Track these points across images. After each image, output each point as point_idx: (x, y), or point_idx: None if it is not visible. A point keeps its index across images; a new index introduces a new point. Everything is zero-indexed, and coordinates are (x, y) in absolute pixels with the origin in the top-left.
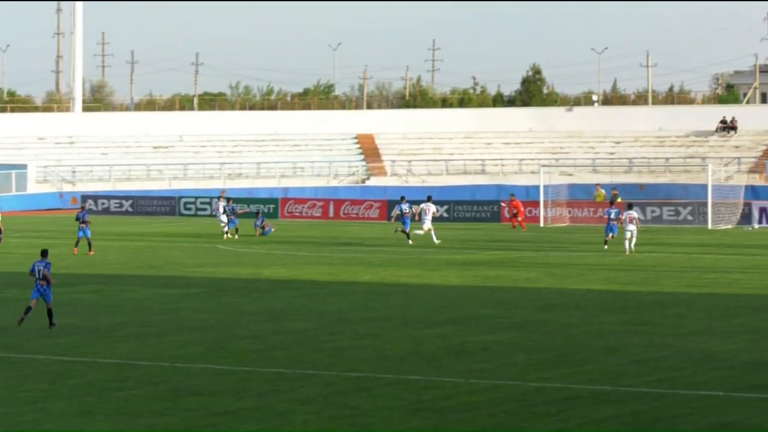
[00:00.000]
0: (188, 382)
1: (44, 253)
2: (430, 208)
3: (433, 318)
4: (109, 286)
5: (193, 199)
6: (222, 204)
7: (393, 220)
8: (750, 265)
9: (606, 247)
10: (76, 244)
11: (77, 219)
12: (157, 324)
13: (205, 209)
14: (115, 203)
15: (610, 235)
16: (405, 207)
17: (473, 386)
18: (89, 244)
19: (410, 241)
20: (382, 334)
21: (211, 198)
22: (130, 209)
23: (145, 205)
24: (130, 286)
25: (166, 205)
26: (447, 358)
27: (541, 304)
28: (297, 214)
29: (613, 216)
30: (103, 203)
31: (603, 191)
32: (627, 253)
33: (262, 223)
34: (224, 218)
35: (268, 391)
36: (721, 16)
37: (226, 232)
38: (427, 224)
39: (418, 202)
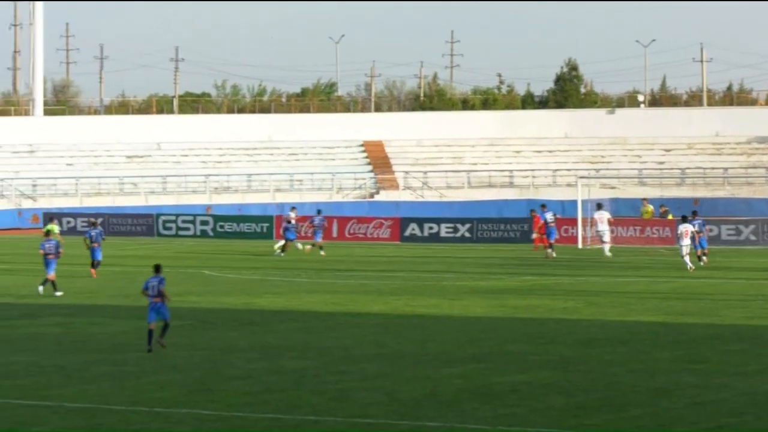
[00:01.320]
0: (170, 430)
1: (158, 269)
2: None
3: (454, 355)
4: (77, 318)
5: (173, 217)
6: (293, 216)
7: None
8: None
9: (702, 263)
10: (92, 265)
11: (89, 238)
12: (133, 362)
13: (187, 228)
14: (83, 222)
15: (699, 250)
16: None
17: None
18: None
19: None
20: (395, 373)
21: (195, 215)
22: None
23: (118, 224)
24: (101, 318)
25: (143, 223)
26: (470, 402)
27: (581, 338)
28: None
29: (697, 228)
30: (68, 222)
31: (651, 207)
32: (690, 269)
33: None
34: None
35: None
36: None
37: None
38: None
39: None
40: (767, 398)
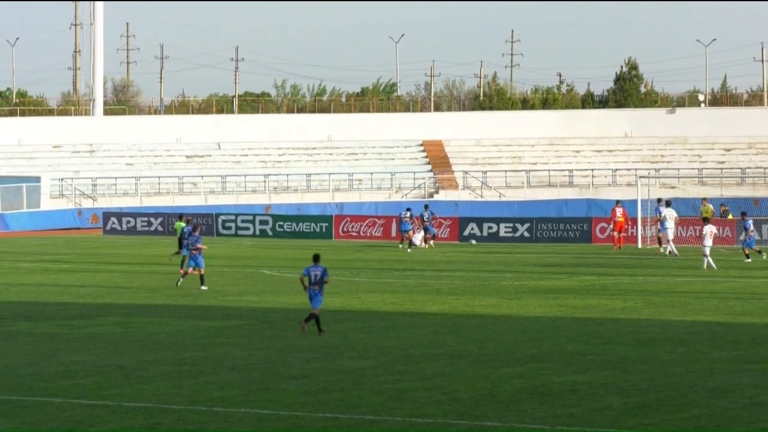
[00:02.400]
0: (228, 430)
1: (316, 258)
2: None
3: (512, 355)
4: (136, 318)
5: (233, 217)
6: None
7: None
8: None
9: (749, 260)
10: (182, 265)
11: (186, 241)
12: (191, 362)
13: (247, 228)
14: (143, 221)
15: (748, 249)
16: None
17: None
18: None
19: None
20: (454, 373)
21: (254, 215)
22: (159, 228)
23: None
24: (159, 317)
25: (202, 223)
26: (529, 402)
27: (639, 338)
28: (354, 233)
29: (749, 226)
30: (128, 221)
31: (711, 206)
32: (710, 268)
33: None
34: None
35: None
36: None
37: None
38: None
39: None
40: None
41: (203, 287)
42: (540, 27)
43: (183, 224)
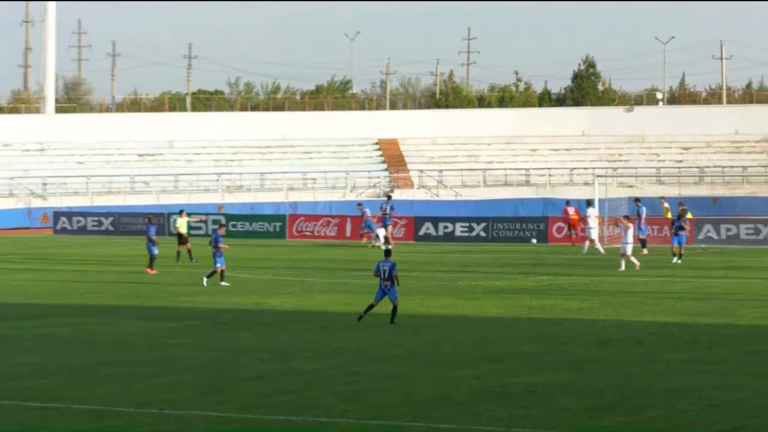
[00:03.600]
0: None
1: (388, 253)
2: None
3: (468, 356)
4: (86, 319)
5: None
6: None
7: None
8: None
9: (675, 260)
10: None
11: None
12: (142, 363)
13: (199, 228)
14: (93, 221)
15: (677, 245)
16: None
17: None
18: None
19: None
20: (409, 374)
21: (207, 214)
22: (110, 228)
23: (129, 223)
24: (110, 318)
25: (154, 223)
26: (485, 403)
27: (596, 338)
28: (308, 233)
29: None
30: (78, 221)
31: (668, 205)
32: (621, 269)
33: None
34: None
35: None
36: None
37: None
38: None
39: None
40: None
41: (223, 283)
42: (497, 25)
43: (186, 219)
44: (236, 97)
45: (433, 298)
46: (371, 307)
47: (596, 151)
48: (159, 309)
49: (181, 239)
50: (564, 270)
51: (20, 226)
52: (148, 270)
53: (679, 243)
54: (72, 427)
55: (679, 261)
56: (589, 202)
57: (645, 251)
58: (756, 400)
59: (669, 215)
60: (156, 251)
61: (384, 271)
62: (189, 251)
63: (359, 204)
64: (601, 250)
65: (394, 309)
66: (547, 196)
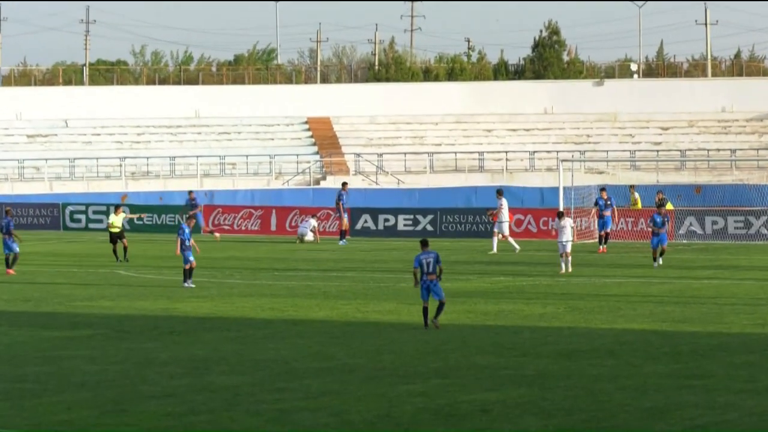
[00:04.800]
0: None
1: (425, 243)
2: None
3: (413, 369)
4: None
5: (83, 207)
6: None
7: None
8: None
9: (656, 265)
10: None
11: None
12: (33, 379)
13: (99, 220)
14: None
15: (660, 248)
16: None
17: None
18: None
19: None
20: (344, 390)
21: (108, 205)
22: None
23: (18, 215)
24: None
25: (47, 214)
26: (432, 423)
27: (562, 349)
28: (226, 227)
29: (659, 223)
30: None
31: (638, 196)
32: (562, 271)
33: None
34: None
35: None
36: None
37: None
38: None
39: (390, 212)
40: None
41: (188, 283)
42: None
43: (122, 216)
44: (142, 69)
45: (372, 302)
46: (425, 310)
47: (561, 131)
48: (51, 315)
49: (114, 237)
50: (524, 270)
51: None
52: (9, 271)
53: (660, 244)
54: None
55: (661, 262)
56: (500, 192)
57: (603, 248)
58: (746, 420)
59: (639, 206)
60: (17, 248)
61: (428, 264)
62: (125, 249)
63: (190, 192)
64: (516, 246)
65: (441, 306)
66: (505, 184)
